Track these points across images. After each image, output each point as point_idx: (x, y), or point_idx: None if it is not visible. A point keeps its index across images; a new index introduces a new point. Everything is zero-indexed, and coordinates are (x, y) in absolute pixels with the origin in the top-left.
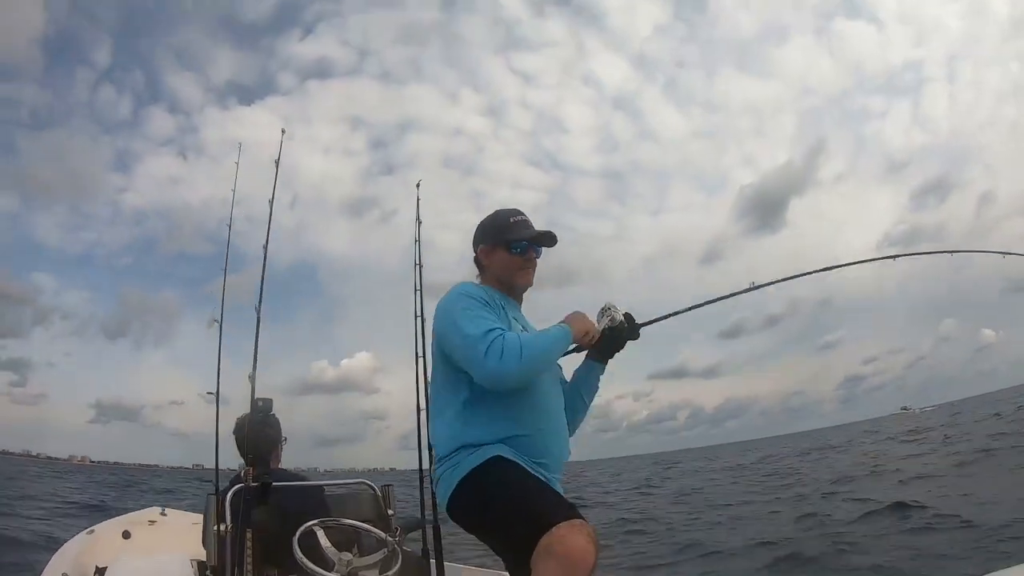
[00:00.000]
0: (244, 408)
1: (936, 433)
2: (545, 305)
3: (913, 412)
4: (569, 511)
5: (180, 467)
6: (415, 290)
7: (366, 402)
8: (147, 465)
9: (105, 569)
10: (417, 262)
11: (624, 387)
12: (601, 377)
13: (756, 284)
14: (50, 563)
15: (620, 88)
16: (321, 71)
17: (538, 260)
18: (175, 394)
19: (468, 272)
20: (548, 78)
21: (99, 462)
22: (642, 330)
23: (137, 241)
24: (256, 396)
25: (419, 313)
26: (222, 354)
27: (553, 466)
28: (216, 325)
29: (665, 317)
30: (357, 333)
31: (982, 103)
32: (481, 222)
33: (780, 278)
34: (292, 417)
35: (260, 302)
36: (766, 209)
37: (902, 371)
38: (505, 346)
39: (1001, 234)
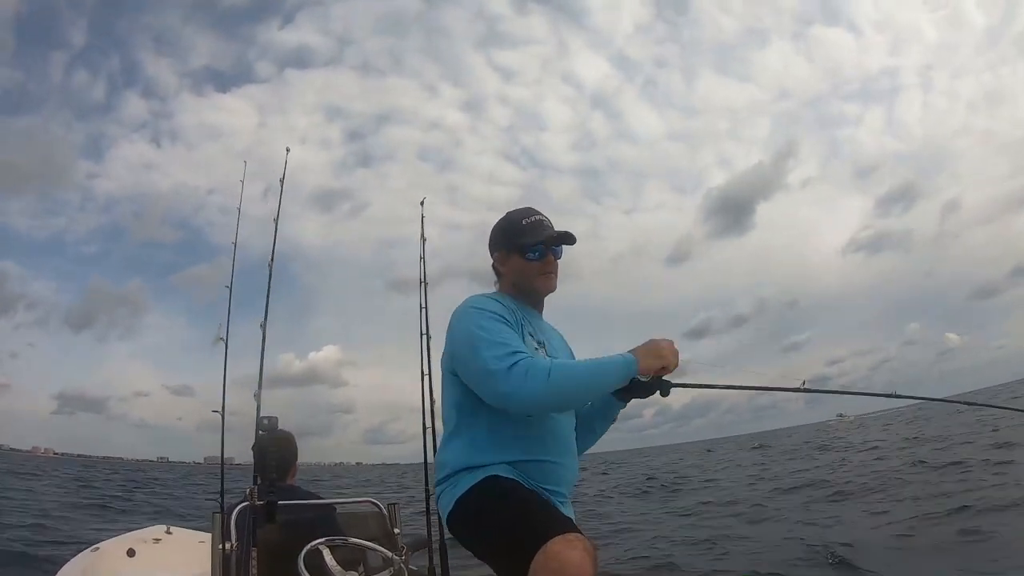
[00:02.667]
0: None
1: (832, 455)
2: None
3: (847, 419)
4: (564, 525)
5: (144, 459)
6: (421, 308)
7: (333, 395)
8: (112, 457)
9: None
10: (423, 279)
11: None
12: (617, 416)
13: (807, 386)
14: None
15: (599, 86)
16: (300, 60)
17: (559, 261)
18: (140, 386)
19: (440, 270)
20: (528, 75)
21: (63, 454)
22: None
23: (106, 228)
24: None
25: (424, 331)
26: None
27: (563, 492)
28: (221, 342)
29: (699, 386)
30: (325, 327)
31: (955, 112)
32: (495, 226)
33: (832, 390)
34: (249, 410)
35: (266, 319)
36: (733, 211)
37: (867, 372)
38: (531, 367)
39: (962, 243)
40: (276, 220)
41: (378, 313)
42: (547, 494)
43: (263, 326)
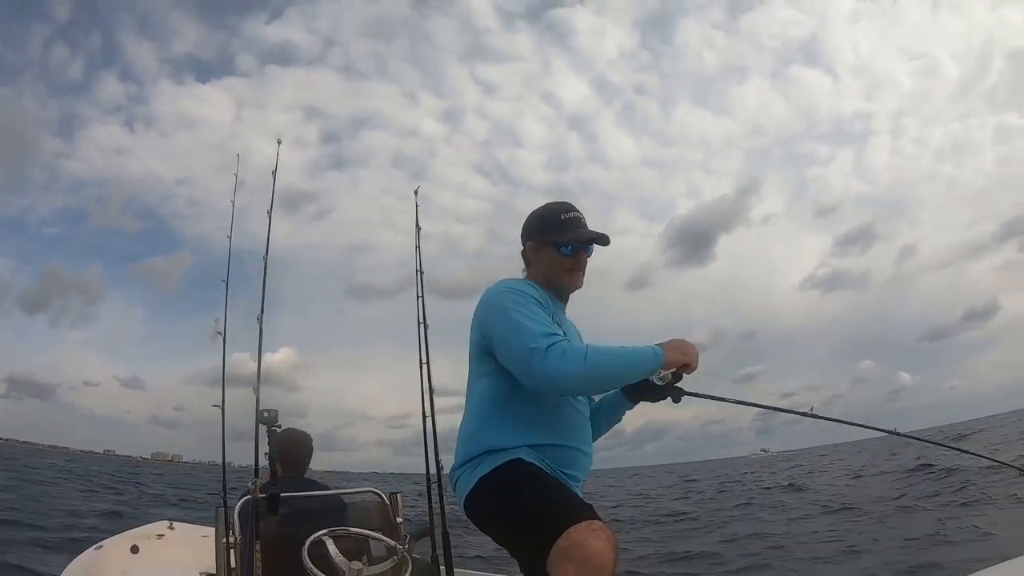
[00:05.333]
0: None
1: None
2: (464, 315)
3: (770, 454)
4: (587, 512)
5: (90, 451)
6: (417, 297)
7: (286, 399)
8: (58, 447)
9: None
10: (418, 268)
11: None
12: (626, 415)
13: (815, 412)
14: None
15: (578, 108)
16: (283, 56)
17: (589, 260)
18: (90, 375)
19: (405, 278)
20: (509, 91)
21: (8, 439)
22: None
23: (71, 211)
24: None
25: (422, 320)
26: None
27: (579, 477)
28: (219, 337)
29: (709, 397)
30: (282, 329)
31: (922, 159)
32: (531, 215)
33: (839, 419)
34: (208, 410)
35: (262, 312)
36: (694, 242)
37: (818, 406)
38: (568, 348)
39: (917, 286)
40: (269, 212)
41: (337, 319)
42: (566, 477)
43: (259, 319)
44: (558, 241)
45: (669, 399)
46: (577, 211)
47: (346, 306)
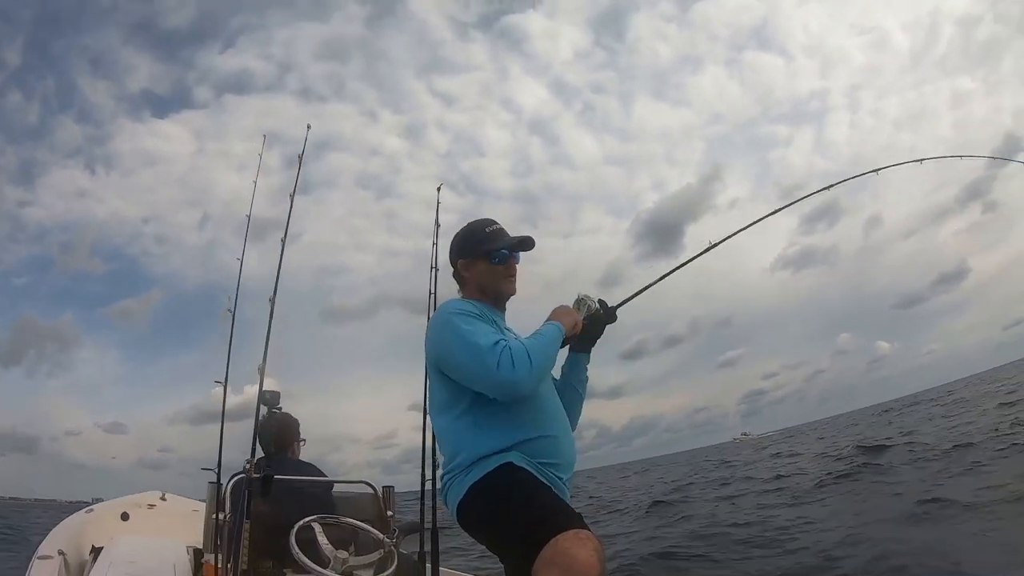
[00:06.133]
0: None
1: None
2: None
3: (751, 438)
4: (574, 521)
5: (79, 501)
6: (429, 293)
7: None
8: (45, 499)
9: (101, 549)
10: (433, 265)
11: None
12: (588, 366)
13: (713, 243)
14: (46, 539)
15: (538, 112)
16: (240, 85)
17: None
18: (71, 423)
19: (378, 297)
20: (468, 101)
21: None
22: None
23: (36, 259)
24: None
25: (433, 305)
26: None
27: (564, 466)
28: (228, 314)
29: (636, 294)
30: (259, 358)
31: (880, 130)
32: (456, 235)
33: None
34: (193, 446)
35: (275, 292)
36: (662, 234)
37: (802, 384)
38: (514, 355)
39: (886, 256)
40: (292, 195)
41: (314, 343)
42: (553, 471)
43: (272, 300)
44: (488, 251)
45: (605, 322)
46: (498, 224)
47: (322, 330)
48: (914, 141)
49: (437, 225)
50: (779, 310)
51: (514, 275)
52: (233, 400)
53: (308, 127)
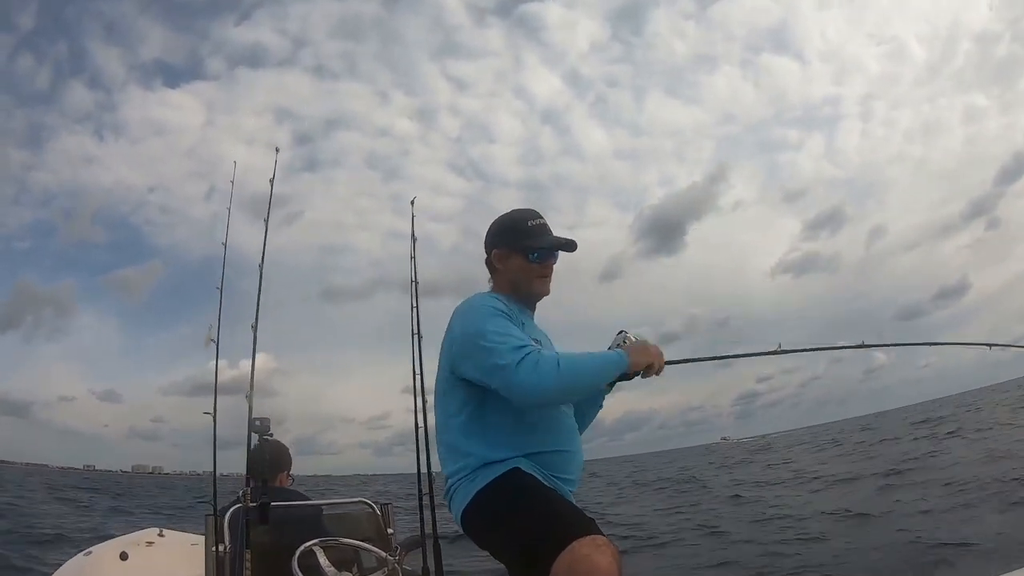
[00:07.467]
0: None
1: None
2: (442, 313)
3: (731, 442)
4: (591, 527)
5: (70, 467)
6: (412, 307)
7: (263, 405)
8: (35, 464)
9: None
10: (413, 279)
11: None
12: (603, 403)
13: (782, 348)
14: None
15: (550, 102)
16: (253, 59)
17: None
18: (65, 390)
19: (377, 278)
20: (481, 87)
21: None
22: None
23: (41, 224)
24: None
25: (416, 331)
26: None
27: (574, 481)
28: (212, 344)
29: (687, 361)
30: (258, 333)
31: (891, 140)
32: (495, 222)
33: (810, 347)
34: (188, 420)
35: (257, 320)
36: (664, 231)
37: (797, 389)
38: (541, 359)
39: (888, 267)
40: (266, 220)
41: (311, 322)
42: (559, 483)
43: (254, 327)
44: (527, 248)
45: (640, 375)
46: (543, 217)
47: (321, 309)
48: (924, 153)
49: (414, 239)
50: (777, 314)
51: (550, 276)
52: (230, 373)
53: (277, 150)
